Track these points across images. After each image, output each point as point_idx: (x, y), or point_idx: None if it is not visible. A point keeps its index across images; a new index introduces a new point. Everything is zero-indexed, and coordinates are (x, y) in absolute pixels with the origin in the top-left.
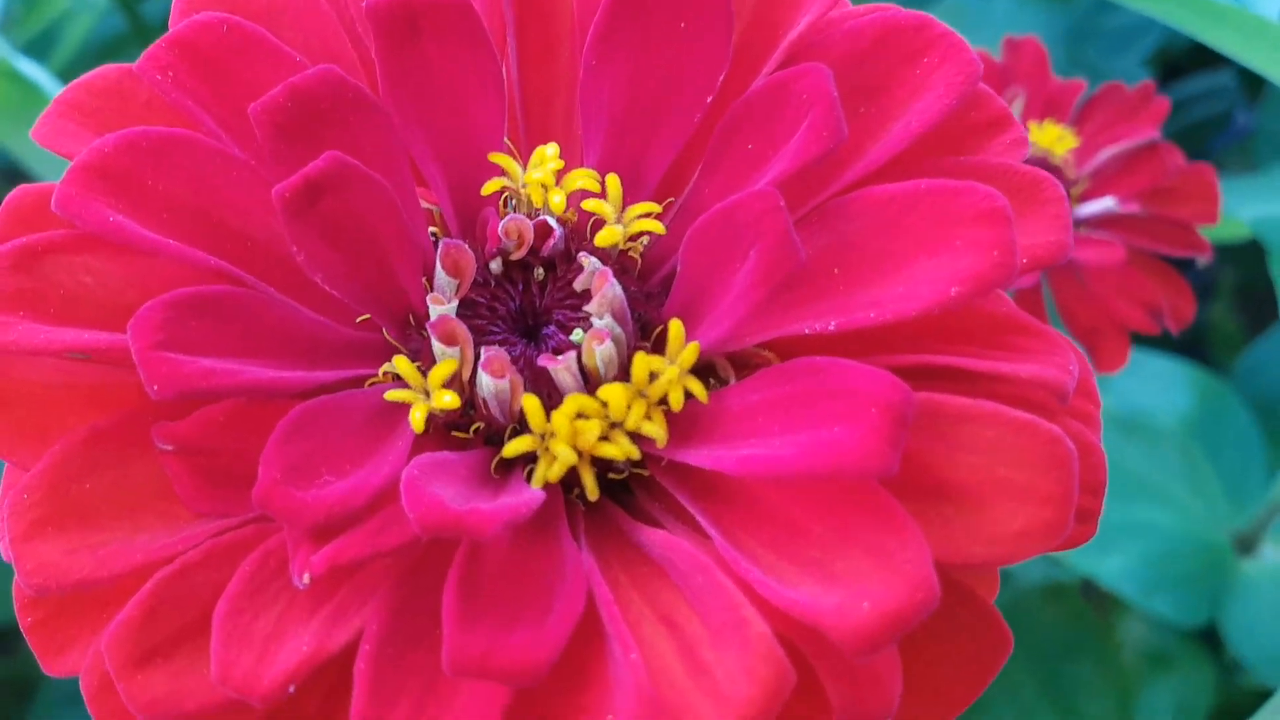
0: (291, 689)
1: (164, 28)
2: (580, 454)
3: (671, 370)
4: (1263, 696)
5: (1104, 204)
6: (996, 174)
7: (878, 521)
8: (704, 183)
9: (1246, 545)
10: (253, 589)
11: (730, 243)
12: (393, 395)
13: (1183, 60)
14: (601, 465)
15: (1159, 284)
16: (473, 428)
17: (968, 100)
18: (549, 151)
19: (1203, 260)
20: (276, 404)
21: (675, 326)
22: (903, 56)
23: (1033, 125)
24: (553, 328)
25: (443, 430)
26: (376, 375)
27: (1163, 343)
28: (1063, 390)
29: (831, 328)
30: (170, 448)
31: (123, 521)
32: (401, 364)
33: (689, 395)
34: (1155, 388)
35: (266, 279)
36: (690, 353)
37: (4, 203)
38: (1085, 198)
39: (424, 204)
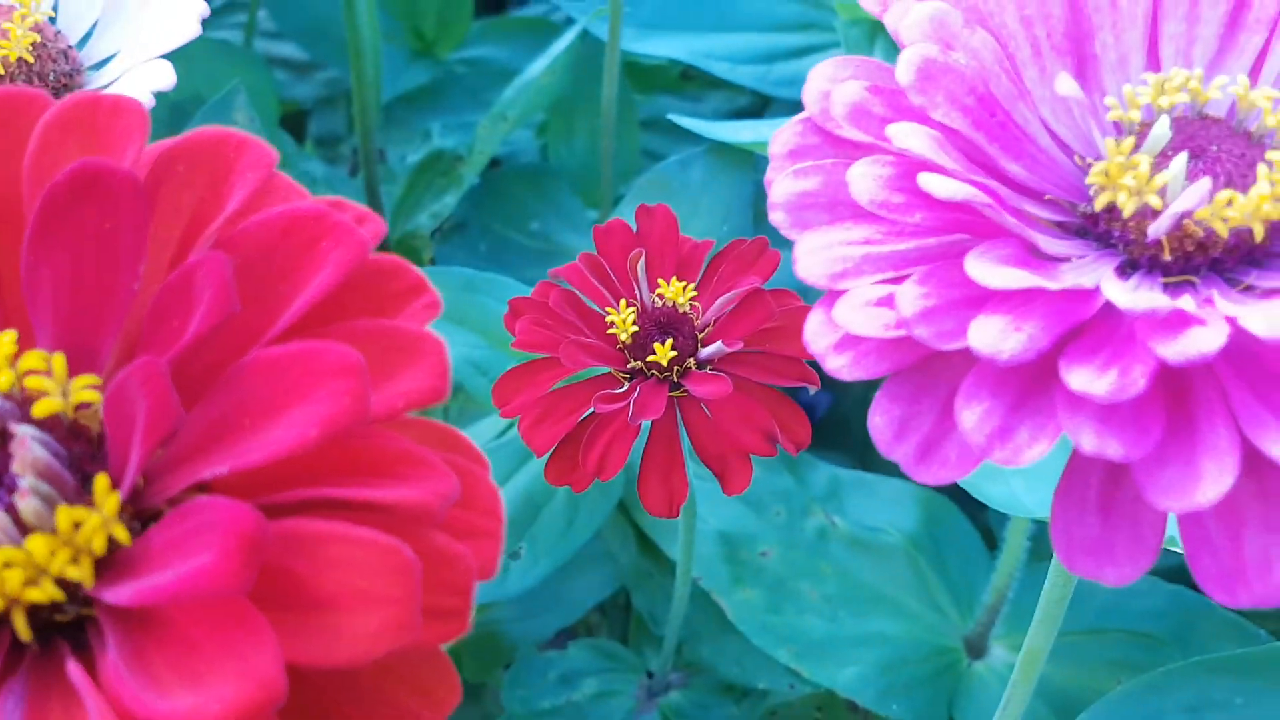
0: None
1: None
2: (8, 602)
3: (95, 519)
4: None
5: (715, 346)
6: (385, 334)
7: (243, 632)
8: (143, 355)
9: (977, 649)
10: None
11: (130, 405)
12: None
13: None
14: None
15: (774, 411)
16: None
17: (372, 275)
18: (6, 341)
19: (812, 388)
20: None
21: (101, 480)
22: (305, 242)
23: (663, 284)
24: (5, 491)
25: None
26: None
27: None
28: (425, 509)
29: (225, 471)
30: None
31: None
32: None
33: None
34: (884, 507)
35: None
36: (112, 502)
37: None
38: (708, 341)
39: None
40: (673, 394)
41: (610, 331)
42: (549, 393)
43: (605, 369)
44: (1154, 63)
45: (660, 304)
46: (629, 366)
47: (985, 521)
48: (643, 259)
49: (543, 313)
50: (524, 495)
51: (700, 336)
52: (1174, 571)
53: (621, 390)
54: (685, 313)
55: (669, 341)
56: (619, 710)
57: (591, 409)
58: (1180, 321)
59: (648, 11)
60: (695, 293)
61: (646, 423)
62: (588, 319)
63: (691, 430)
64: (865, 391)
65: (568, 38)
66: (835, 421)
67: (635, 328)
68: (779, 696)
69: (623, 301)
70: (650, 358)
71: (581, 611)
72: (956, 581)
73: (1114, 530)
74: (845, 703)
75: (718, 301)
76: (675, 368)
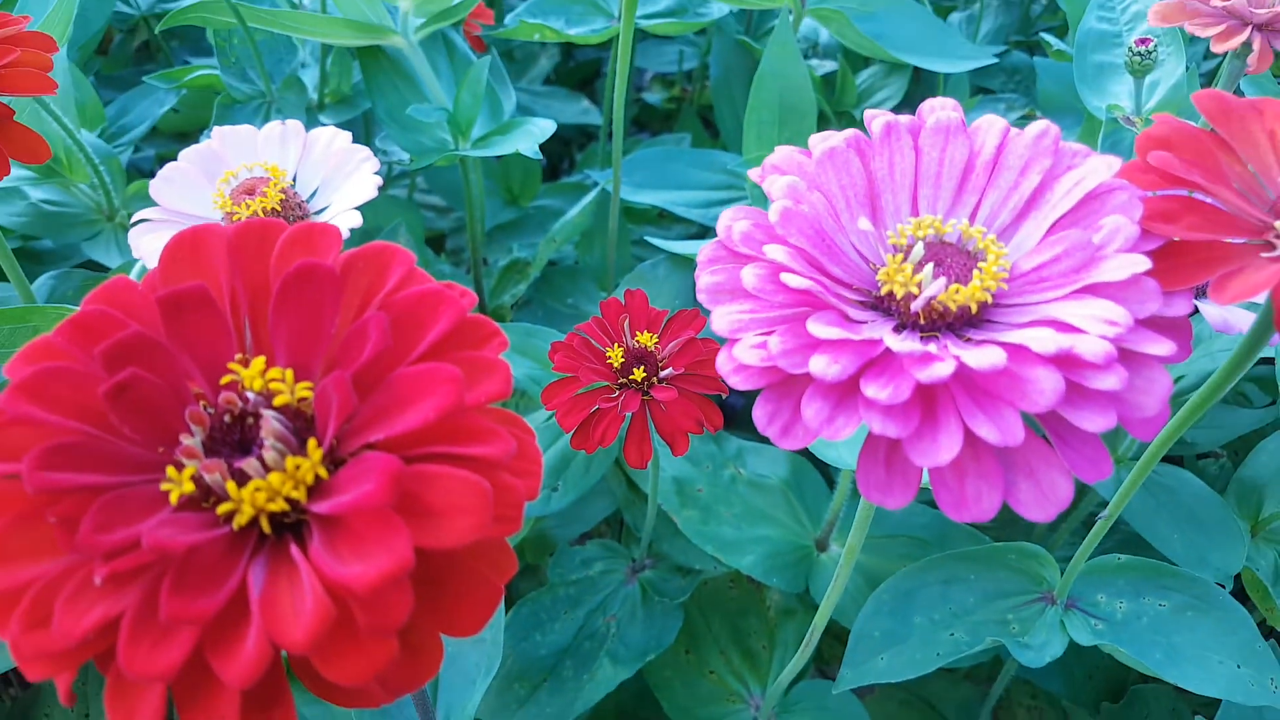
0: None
1: None
2: (256, 509)
3: (307, 464)
4: (842, 628)
5: (668, 371)
6: (475, 360)
7: (389, 529)
8: (336, 371)
9: (822, 546)
10: (78, 586)
11: (328, 399)
12: (164, 486)
13: None
14: (277, 515)
15: (701, 408)
16: (210, 501)
17: (468, 326)
18: (258, 363)
19: (725, 395)
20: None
21: (311, 442)
22: (431, 306)
23: (639, 334)
24: (257, 447)
25: (197, 504)
26: (164, 477)
27: None
28: (496, 460)
29: (382, 438)
30: (54, 520)
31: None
32: (170, 471)
33: (320, 477)
34: (769, 463)
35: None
36: (317, 454)
37: None
38: (664, 367)
39: (195, 390)
40: (644, 398)
41: (608, 361)
42: (573, 396)
43: (605, 383)
44: (915, 210)
45: (637, 346)
46: (618, 382)
47: (827, 471)
48: (627, 320)
49: (569, 351)
50: (560, 455)
51: (660, 364)
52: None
53: (614, 396)
54: (651, 351)
55: (641, 368)
56: (615, 581)
57: (597, 406)
58: (928, 359)
59: (639, 178)
60: (657, 340)
61: (629, 414)
62: (596, 354)
63: (655, 418)
64: None
65: (592, 194)
66: (746, 413)
67: (622, 359)
68: (708, 574)
69: (616, 344)
70: (631, 377)
71: (594, 523)
72: (810, 506)
73: (892, 477)
74: (746, 578)
75: (670, 345)
76: (645, 383)
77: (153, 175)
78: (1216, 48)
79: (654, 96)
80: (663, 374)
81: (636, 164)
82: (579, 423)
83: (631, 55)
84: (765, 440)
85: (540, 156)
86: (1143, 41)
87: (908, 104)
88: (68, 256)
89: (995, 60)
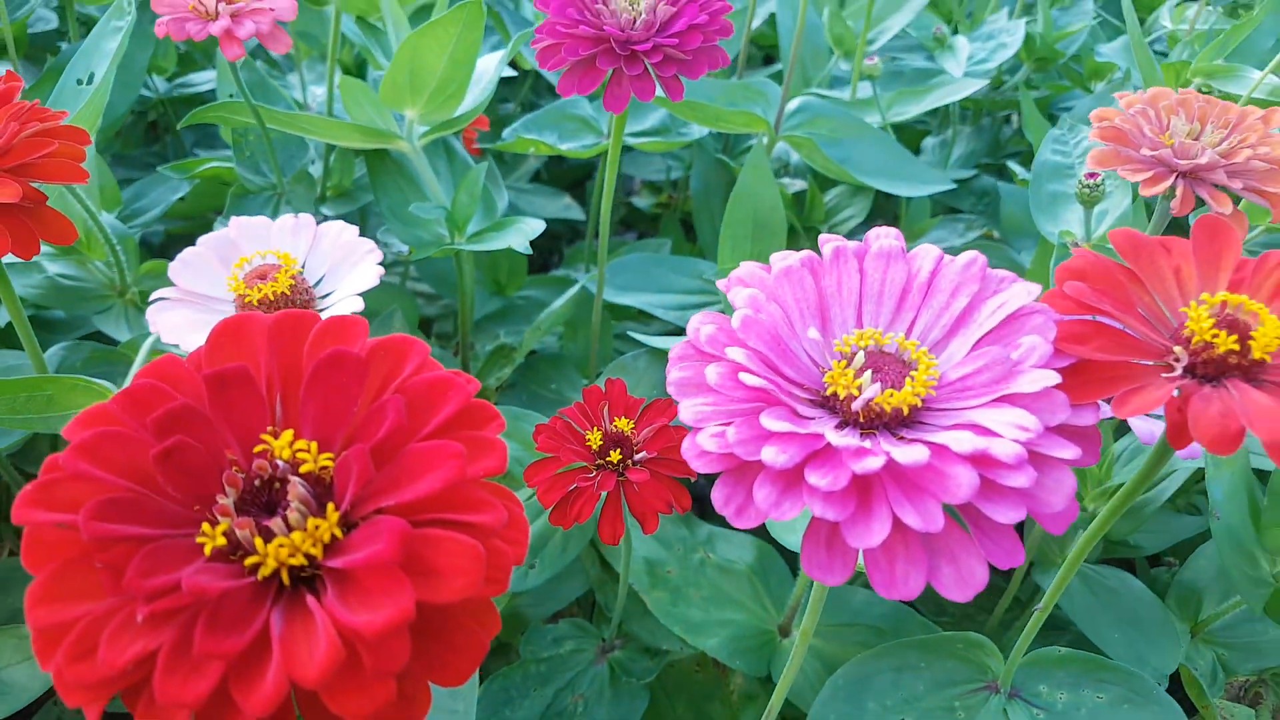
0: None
1: None
2: (279, 563)
3: (325, 524)
4: (801, 715)
5: (642, 454)
6: (477, 439)
7: (395, 584)
8: (356, 444)
9: (785, 631)
10: (121, 624)
11: (348, 469)
12: (199, 539)
13: None
14: (296, 568)
15: (671, 490)
16: (238, 554)
17: (472, 409)
18: (288, 435)
19: (694, 479)
20: (147, 546)
21: (330, 506)
22: (442, 391)
23: (617, 420)
24: (282, 508)
25: (226, 556)
26: (199, 532)
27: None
28: (490, 528)
29: (393, 504)
30: (102, 565)
31: (78, 600)
32: (205, 526)
33: (336, 537)
34: (736, 549)
35: (152, 492)
36: (334, 517)
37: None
38: (638, 451)
39: (231, 456)
40: (619, 479)
41: (587, 444)
42: (553, 475)
43: (583, 464)
44: (859, 323)
45: (615, 431)
46: (596, 463)
47: (792, 559)
48: (607, 406)
49: (552, 433)
50: (538, 534)
51: (635, 448)
52: None
53: (592, 476)
54: (628, 435)
55: (618, 450)
56: (585, 660)
57: (575, 485)
58: (863, 453)
59: (623, 280)
60: (634, 425)
61: (605, 493)
62: (576, 437)
63: (628, 498)
64: None
65: (574, 289)
66: None
67: (600, 442)
68: (675, 655)
69: (595, 428)
70: (608, 459)
71: (567, 602)
72: (774, 592)
73: (833, 558)
74: (712, 661)
75: (644, 431)
76: (620, 464)
77: (159, 252)
78: (1145, 192)
79: (642, 201)
80: (637, 457)
81: (623, 267)
82: (558, 499)
83: (619, 167)
84: (735, 527)
85: (530, 251)
86: (1091, 175)
87: (872, 221)
88: (76, 327)
89: (954, 186)
